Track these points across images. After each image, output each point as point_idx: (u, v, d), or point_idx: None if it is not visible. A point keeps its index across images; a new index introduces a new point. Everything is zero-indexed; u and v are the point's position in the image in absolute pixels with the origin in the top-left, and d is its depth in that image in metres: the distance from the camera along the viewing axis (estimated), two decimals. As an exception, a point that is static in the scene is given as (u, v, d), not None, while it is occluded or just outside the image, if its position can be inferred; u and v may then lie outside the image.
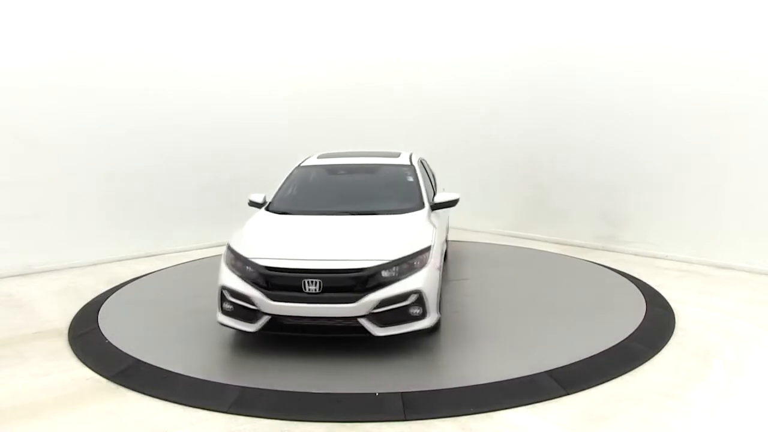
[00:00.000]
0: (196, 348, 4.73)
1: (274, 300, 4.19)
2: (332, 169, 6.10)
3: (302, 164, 6.17)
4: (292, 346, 4.54)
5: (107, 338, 4.79)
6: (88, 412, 3.63)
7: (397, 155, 6.30)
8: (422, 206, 5.23)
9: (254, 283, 4.29)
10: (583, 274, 6.80)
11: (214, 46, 8.48)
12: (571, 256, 7.68)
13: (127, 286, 6.43)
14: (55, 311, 5.64)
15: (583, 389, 3.82)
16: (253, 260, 4.36)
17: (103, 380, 4.10)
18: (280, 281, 4.24)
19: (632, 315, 5.18)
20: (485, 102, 9.55)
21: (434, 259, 4.43)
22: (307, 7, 9.36)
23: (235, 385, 3.88)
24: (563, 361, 4.17)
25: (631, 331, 4.77)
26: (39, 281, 6.77)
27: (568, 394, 3.75)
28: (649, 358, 4.31)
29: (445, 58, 9.92)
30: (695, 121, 7.21)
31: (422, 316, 4.24)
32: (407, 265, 4.26)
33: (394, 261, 4.22)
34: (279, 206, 5.45)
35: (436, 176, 7.08)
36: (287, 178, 5.94)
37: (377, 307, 4.11)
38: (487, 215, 9.56)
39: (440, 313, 4.65)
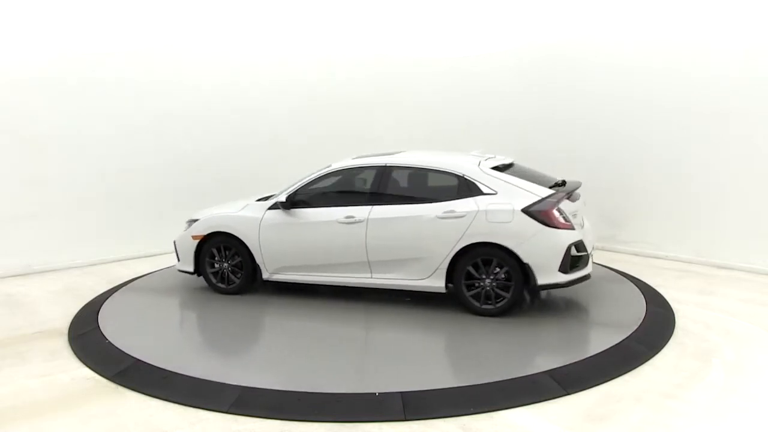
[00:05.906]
0: (196, 348, 4.73)
1: None
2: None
3: None
4: (292, 346, 4.55)
5: (107, 338, 4.79)
6: (88, 412, 3.63)
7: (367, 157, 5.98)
8: (267, 200, 5.89)
9: None
10: (583, 274, 6.78)
11: (215, 47, 8.47)
12: (571, 256, 7.65)
13: (127, 286, 6.42)
14: (55, 311, 5.64)
15: (583, 389, 3.81)
16: None
17: (103, 380, 4.10)
18: None
19: (632, 315, 5.18)
20: (484, 102, 9.53)
21: (194, 232, 6.07)
22: (307, 6, 9.35)
23: (235, 385, 3.87)
24: (563, 361, 4.17)
25: (631, 331, 4.76)
26: (39, 281, 6.77)
27: (568, 394, 3.75)
28: (649, 358, 4.31)
29: (446, 58, 9.90)
30: (695, 121, 7.21)
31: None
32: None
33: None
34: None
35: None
36: None
37: None
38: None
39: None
